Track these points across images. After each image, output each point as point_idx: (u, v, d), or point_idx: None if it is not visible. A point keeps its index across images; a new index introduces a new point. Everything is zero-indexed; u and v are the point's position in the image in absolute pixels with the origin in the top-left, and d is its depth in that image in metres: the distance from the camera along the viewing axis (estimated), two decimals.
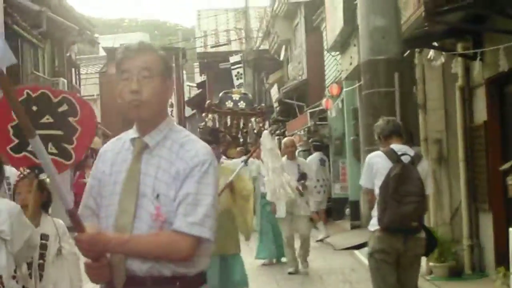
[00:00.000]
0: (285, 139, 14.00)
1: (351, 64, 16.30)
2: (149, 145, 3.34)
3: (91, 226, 3.28)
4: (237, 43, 38.88)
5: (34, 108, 5.98)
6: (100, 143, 32.45)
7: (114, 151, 3.50)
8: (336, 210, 20.07)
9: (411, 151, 7.25)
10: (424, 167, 7.22)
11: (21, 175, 5.96)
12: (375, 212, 7.10)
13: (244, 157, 14.58)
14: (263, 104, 16.89)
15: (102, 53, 47.21)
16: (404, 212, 6.83)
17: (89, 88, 36.92)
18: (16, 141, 6.00)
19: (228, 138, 13.15)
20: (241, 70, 34.47)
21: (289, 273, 12.41)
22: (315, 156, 17.58)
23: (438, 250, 10.36)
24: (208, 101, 16.47)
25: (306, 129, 23.66)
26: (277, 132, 31.03)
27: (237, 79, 34.38)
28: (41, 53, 26.10)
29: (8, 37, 19.85)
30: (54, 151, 5.94)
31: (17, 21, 20.99)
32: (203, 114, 15.95)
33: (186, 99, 48.65)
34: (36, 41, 23.15)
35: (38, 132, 5.95)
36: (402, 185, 6.86)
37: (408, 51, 12.16)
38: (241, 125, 14.65)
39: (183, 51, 46.68)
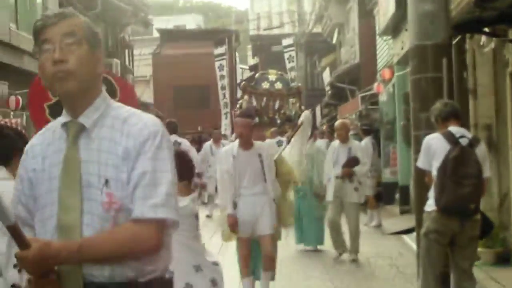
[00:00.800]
0: (337, 121, 13.77)
1: (402, 48, 16.22)
2: (85, 126, 2.84)
3: (33, 239, 2.71)
4: (290, 26, 38.87)
5: None
6: None
7: (44, 144, 2.96)
8: (386, 195, 19.99)
9: (468, 134, 7.32)
10: (482, 150, 7.24)
11: None
12: (431, 193, 7.14)
13: (279, 138, 14.65)
14: (299, 84, 16.67)
15: (156, 34, 47.57)
16: (462, 194, 6.88)
17: (142, 69, 37.25)
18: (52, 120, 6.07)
19: (265, 119, 13.03)
20: (293, 53, 34.33)
21: (334, 259, 12.30)
22: (368, 140, 17.43)
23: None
24: (243, 82, 16.40)
25: (357, 113, 23.64)
26: (328, 116, 31.07)
27: (289, 62, 34.24)
28: None
29: None
30: None
31: (71, 2, 21.28)
32: (238, 96, 16.02)
33: (238, 81, 48.83)
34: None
35: None
36: (460, 167, 6.90)
37: (459, 37, 12.09)
38: (277, 106, 14.59)
39: (236, 33, 46.82)
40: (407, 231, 14.00)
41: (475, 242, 7.35)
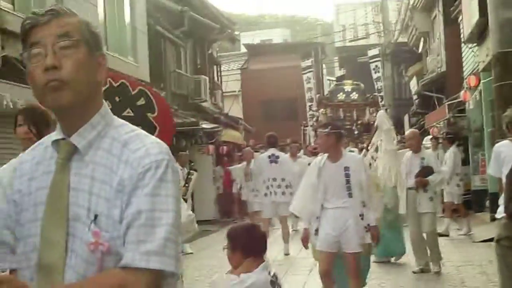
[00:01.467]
0: (407, 131, 13.39)
1: (487, 55, 16.13)
2: (78, 147, 2.36)
3: (6, 277, 2.25)
4: (376, 37, 38.86)
5: (117, 99, 5.57)
6: (242, 138, 33.24)
7: (34, 161, 2.48)
8: (476, 202, 19.87)
9: None
10: None
11: None
12: (502, 200, 7.13)
13: (349, 148, 14.32)
14: (375, 94, 16.51)
15: (243, 49, 48.12)
16: None
17: (231, 84, 37.71)
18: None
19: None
20: (379, 64, 34.40)
21: (413, 272, 11.88)
22: (454, 148, 17.36)
23: None
24: (318, 95, 16.30)
25: (445, 121, 23.53)
26: (417, 124, 30.94)
27: (375, 72, 34.32)
28: (183, 51, 26.99)
29: (151, 37, 20.75)
30: None
31: (159, 22, 21.82)
32: (314, 109, 15.88)
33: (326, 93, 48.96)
34: (178, 40, 23.96)
35: None
36: None
37: None
38: (355, 116, 14.39)
39: (322, 45, 47.01)
40: None
41: None
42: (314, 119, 15.90)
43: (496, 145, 7.51)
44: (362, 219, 8.21)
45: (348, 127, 13.83)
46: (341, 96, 14.24)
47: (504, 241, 7.10)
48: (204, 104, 28.58)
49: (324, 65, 50.97)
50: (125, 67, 18.30)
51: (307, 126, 22.15)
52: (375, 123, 10.59)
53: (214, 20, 28.66)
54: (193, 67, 28.72)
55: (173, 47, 24.94)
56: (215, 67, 34.31)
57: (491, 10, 9.06)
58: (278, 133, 16.01)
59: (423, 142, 22.65)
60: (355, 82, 15.14)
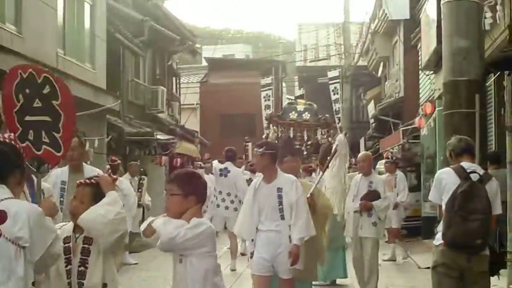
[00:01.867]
0: (360, 153, 13.31)
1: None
2: None
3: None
4: (336, 58, 39.04)
5: (27, 90, 5.69)
6: (197, 152, 33.11)
7: None
8: (426, 228, 19.99)
9: (480, 170, 7.27)
10: (493, 187, 7.21)
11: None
12: (440, 227, 7.18)
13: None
14: (327, 115, 16.37)
15: (204, 63, 48.08)
16: (468, 229, 6.87)
17: (189, 97, 37.59)
18: (20, 129, 5.71)
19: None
20: (338, 86, 34.57)
21: None
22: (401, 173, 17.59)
23: None
24: (270, 112, 16.30)
25: (399, 146, 23.66)
26: (372, 148, 31.09)
27: (334, 94, 34.48)
28: (142, 61, 26.88)
29: (110, 44, 20.60)
30: (47, 140, 5.75)
31: (119, 30, 21.67)
32: (265, 126, 15.85)
33: None
34: (138, 49, 23.81)
35: (33, 119, 5.73)
36: (468, 202, 6.90)
37: (498, 73, 12.16)
38: (305, 137, 14.39)
39: (283, 64, 47.14)
40: None
41: (485, 278, 7.28)
42: (264, 136, 15.81)
43: (438, 172, 7.62)
44: (291, 241, 7.95)
45: (297, 147, 13.75)
46: (293, 115, 14.14)
47: (440, 268, 7.17)
48: (160, 115, 28.46)
49: (284, 84, 51.09)
50: (82, 72, 18.12)
51: (249, 142, 22.12)
52: (334, 147, 10.41)
53: (175, 32, 28.59)
54: (152, 77, 28.60)
55: (132, 56, 24.78)
56: (174, 78, 34.21)
57: (445, 38, 9.09)
58: (236, 148, 15.97)
59: (377, 166, 22.81)
60: (308, 102, 15.10)
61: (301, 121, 14.68)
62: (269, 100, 34.75)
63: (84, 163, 8.15)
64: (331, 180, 10.03)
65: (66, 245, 5.12)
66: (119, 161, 14.69)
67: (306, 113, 14.22)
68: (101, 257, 5.14)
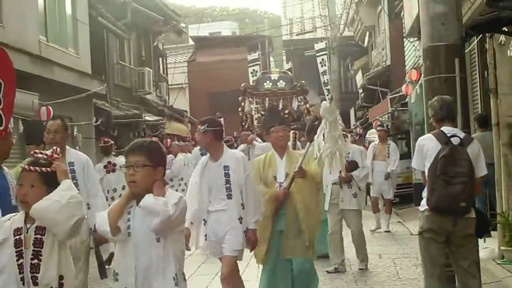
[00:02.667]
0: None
1: None
2: None
3: None
4: (322, 30, 38.97)
5: None
6: (188, 131, 33.08)
7: None
8: (417, 195, 20.08)
9: (461, 133, 7.26)
10: (475, 149, 7.18)
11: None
12: (425, 193, 7.20)
13: None
14: (303, 81, 16.04)
15: (191, 42, 47.95)
16: (451, 193, 6.88)
17: (177, 77, 37.47)
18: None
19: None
20: (325, 57, 34.49)
21: (327, 272, 11.21)
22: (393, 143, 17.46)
23: (509, 234, 10.37)
24: (243, 84, 15.83)
25: (388, 114, 23.72)
26: (362, 118, 31.18)
27: (322, 66, 34.41)
28: (126, 43, 26.80)
29: (93, 28, 20.53)
30: None
31: (101, 13, 21.58)
32: (239, 98, 15.41)
33: None
34: (121, 32, 23.72)
35: None
36: (450, 166, 6.91)
37: (480, 36, 12.14)
38: (281, 106, 14.06)
39: (269, 39, 47.04)
40: None
41: (471, 241, 7.28)
42: (240, 109, 15.56)
43: (419, 138, 7.62)
44: (240, 222, 7.60)
45: None
46: (267, 85, 13.89)
47: (427, 233, 7.20)
48: (148, 96, 28.41)
49: (272, 59, 51.01)
50: (65, 58, 18.10)
51: (221, 117, 21.91)
52: (320, 114, 9.60)
53: (159, 12, 28.47)
54: (138, 59, 28.52)
55: (116, 38, 24.71)
56: (160, 59, 34.15)
57: (422, 4, 9.08)
58: (224, 125, 15.86)
59: (367, 136, 22.83)
60: (282, 70, 14.89)
61: (276, 89, 14.46)
62: (256, 75, 34.68)
63: (67, 147, 7.92)
64: (326, 144, 9.42)
65: (17, 237, 4.57)
66: (111, 142, 14.65)
67: (281, 81, 13.96)
68: (56, 247, 4.58)
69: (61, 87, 16.77)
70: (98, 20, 21.19)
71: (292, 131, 12.91)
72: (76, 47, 19.54)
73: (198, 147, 15.08)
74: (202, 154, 14.93)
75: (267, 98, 13.71)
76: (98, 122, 19.93)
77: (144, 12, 26.34)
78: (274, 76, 13.70)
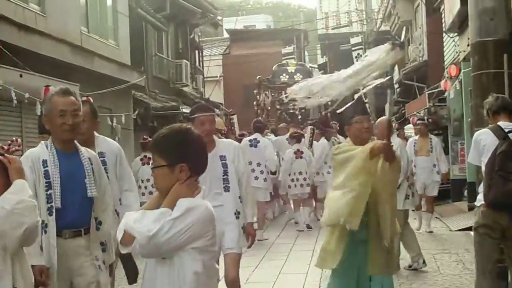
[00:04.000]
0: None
1: (468, 45, 16.15)
2: None
3: None
4: (358, 25, 38.87)
5: None
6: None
7: None
8: (454, 191, 20.00)
9: None
10: None
11: None
12: (481, 188, 7.14)
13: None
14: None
15: (226, 35, 48.02)
16: (509, 189, 6.79)
17: (212, 69, 37.60)
18: None
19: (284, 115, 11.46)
20: (361, 52, 34.43)
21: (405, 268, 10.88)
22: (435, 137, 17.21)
23: None
24: (258, 77, 15.31)
25: (425, 110, 23.58)
26: (398, 113, 31.03)
27: (357, 60, 34.35)
28: (164, 35, 26.91)
29: (132, 20, 20.65)
30: None
31: (141, 5, 21.70)
32: (255, 91, 14.93)
33: None
34: (160, 24, 23.85)
35: None
36: (508, 162, 6.82)
37: None
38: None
39: (305, 32, 46.96)
40: None
41: None
42: (255, 102, 15.31)
43: (476, 133, 7.49)
44: (237, 217, 7.00)
45: (291, 111, 13.14)
46: (284, 78, 13.68)
47: (482, 229, 7.15)
48: (185, 88, 28.52)
49: (306, 52, 50.92)
50: (106, 49, 18.22)
51: (233, 115, 21.60)
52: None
53: (196, 5, 28.58)
54: (175, 51, 28.62)
55: (155, 30, 24.85)
56: (196, 51, 34.24)
57: None
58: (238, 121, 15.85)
59: (405, 131, 22.73)
60: (299, 63, 14.62)
61: (293, 83, 14.29)
62: None
63: (97, 134, 6.71)
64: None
65: None
66: (150, 139, 14.76)
67: (298, 74, 13.68)
68: (9, 261, 3.95)
69: (101, 78, 16.87)
70: (137, 12, 21.31)
71: (310, 127, 12.49)
72: (116, 39, 19.67)
73: (248, 138, 15.14)
74: (251, 146, 15.04)
75: (283, 92, 13.39)
76: (136, 114, 20.04)
77: (182, 4, 26.46)
78: (291, 69, 13.47)
